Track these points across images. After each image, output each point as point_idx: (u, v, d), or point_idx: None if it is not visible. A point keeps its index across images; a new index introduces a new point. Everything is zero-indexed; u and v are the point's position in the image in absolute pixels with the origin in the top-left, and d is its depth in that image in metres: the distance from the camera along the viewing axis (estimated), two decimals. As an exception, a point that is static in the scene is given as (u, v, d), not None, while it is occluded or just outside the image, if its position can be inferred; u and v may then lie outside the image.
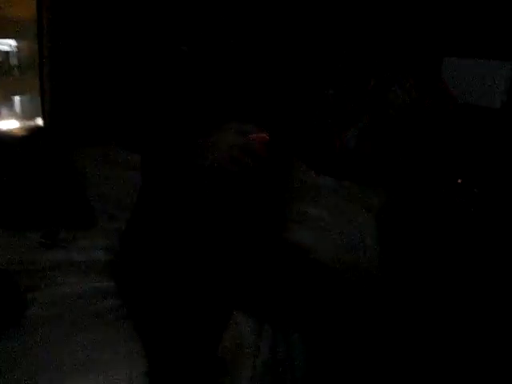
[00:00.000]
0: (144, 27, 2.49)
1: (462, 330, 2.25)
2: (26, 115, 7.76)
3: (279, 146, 1.97)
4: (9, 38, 8.94)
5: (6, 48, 9.16)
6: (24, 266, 1.82)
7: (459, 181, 2.70)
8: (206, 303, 1.65)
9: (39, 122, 3.04)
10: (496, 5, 2.77)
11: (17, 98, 9.21)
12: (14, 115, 9.13)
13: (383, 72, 2.74)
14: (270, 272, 1.86)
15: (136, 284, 1.77)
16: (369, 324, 1.85)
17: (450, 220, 2.55)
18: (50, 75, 2.54)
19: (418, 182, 2.72)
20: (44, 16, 2.47)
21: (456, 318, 2.27)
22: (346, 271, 2.27)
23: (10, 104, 9.06)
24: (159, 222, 1.77)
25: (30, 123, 3.09)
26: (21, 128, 2.80)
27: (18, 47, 9.20)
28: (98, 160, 2.51)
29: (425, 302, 2.25)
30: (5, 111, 9.15)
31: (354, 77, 2.75)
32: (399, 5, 2.96)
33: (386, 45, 2.94)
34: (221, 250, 1.73)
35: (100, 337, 1.51)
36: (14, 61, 9.24)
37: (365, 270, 2.37)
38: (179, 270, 1.69)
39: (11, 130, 2.69)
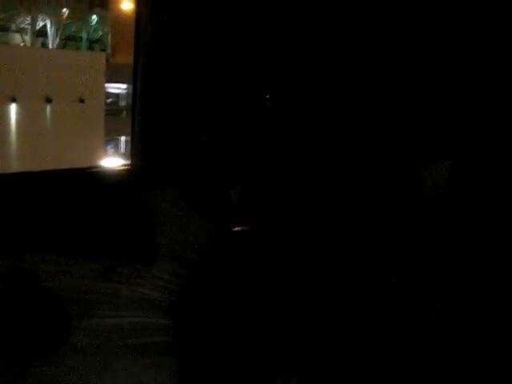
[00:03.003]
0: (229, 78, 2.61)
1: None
2: (129, 155, 8.19)
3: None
4: (120, 82, 9.59)
5: (116, 91, 9.81)
6: (80, 294, 1.88)
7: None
8: (254, 357, 1.64)
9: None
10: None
11: (122, 138, 9.78)
12: (119, 154, 9.68)
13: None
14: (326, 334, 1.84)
15: (188, 326, 1.79)
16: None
17: None
18: (140, 118, 2.67)
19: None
20: (139, 61, 2.62)
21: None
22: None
23: (116, 143, 9.63)
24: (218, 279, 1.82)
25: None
26: (122, 169, 2.95)
27: (127, 90, 9.80)
28: (171, 201, 2.59)
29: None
30: (111, 150, 9.73)
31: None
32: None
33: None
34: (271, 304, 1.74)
35: (135, 370, 1.52)
36: (123, 103, 9.88)
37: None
38: (232, 324, 1.71)
39: (113, 168, 2.83)
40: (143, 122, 2.86)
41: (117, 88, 10.05)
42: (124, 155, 9.12)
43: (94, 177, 2.74)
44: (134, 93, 2.89)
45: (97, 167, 2.80)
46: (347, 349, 1.88)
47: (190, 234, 2.55)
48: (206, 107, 2.82)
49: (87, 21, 11.10)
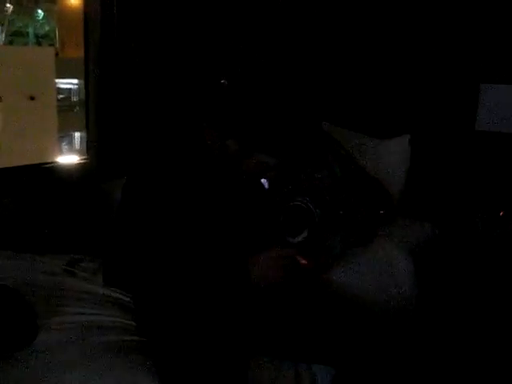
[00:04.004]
0: (185, 63, 2.59)
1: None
2: (84, 151, 8.05)
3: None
4: (71, 77, 9.38)
5: (68, 86, 9.60)
6: (44, 291, 1.87)
7: (501, 213, 2.63)
8: (225, 344, 1.65)
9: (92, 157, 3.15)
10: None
11: (77, 134, 9.58)
12: (74, 150, 9.49)
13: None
14: (296, 309, 1.86)
15: (149, 321, 1.79)
16: (398, 361, 1.81)
17: (488, 257, 2.47)
18: (94, 112, 2.65)
19: (456, 220, 2.66)
20: (90, 55, 2.59)
21: (497, 362, 2.18)
22: (377, 310, 2.22)
23: (70, 140, 9.44)
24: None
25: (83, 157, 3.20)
26: (79, 163, 2.91)
27: (79, 85, 9.58)
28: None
29: (459, 344, 2.17)
30: (65, 147, 9.53)
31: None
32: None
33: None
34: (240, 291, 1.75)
35: (106, 367, 1.52)
36: (75, 98, 9.66)
37: (397, 309, 2.32)
38: (198, 311, 1.70)
39: (69, 165, 2.79)
40: (97, 116, 2.82)
41: (68, 83, 9.82)
42: (79, 151, 8.94)
43: (51, 171, 2.70)
44: (87, 87, 2.85)
45: (53, 162, 2.75)
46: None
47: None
48: (160, 98, 2.80)
49: (33, 16, 10.81)
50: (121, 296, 1.95)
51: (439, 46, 2.84)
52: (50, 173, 2.58)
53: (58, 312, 1.73)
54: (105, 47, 2.53)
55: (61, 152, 9.06)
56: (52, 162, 2.74)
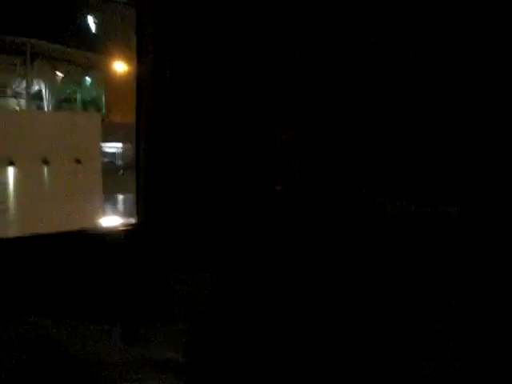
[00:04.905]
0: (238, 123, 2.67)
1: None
2: (127, 213, 8.20)
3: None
4: (116, 141, 9.68)
5: (112, 150, 9.89)
6: (103, 358, 1.87)
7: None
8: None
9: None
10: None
11: (120, 197, 9.78)
12: (117, 213, 9.66)
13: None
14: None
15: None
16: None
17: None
18: (145, 177, 2.69)
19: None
20: (142, 120, 2.66)
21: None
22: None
23: (113, 202, 9.63)
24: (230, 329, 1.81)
25: (131, 221, 3.24)
26: (122, 225, 2.95)
27: (123, 149, 9.86)
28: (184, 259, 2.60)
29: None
30: (109, 208, 9.72)
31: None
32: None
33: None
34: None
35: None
36: (119, 162, 9.93)
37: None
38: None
39: (112, 228, 2.83)
40: (148, 181, 2.87)
41: (113, 147, 10.10)
42: (122, 214, 9.11)
43: (104, 238, 2.74)
44: (138, 151, 2.91)
45: (106, 228, 2.80)
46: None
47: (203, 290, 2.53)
48: (212, 165, 2.85)
49: (82, 83, 11.26)
50: (175, 357, 1.95)
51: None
52: (96, 237, 2.61)
53: (116, 380, 1.73)
54: (157, 113, 2.60)
55: (105, 214, 9.26)
56: (98, 226, 2.78)
